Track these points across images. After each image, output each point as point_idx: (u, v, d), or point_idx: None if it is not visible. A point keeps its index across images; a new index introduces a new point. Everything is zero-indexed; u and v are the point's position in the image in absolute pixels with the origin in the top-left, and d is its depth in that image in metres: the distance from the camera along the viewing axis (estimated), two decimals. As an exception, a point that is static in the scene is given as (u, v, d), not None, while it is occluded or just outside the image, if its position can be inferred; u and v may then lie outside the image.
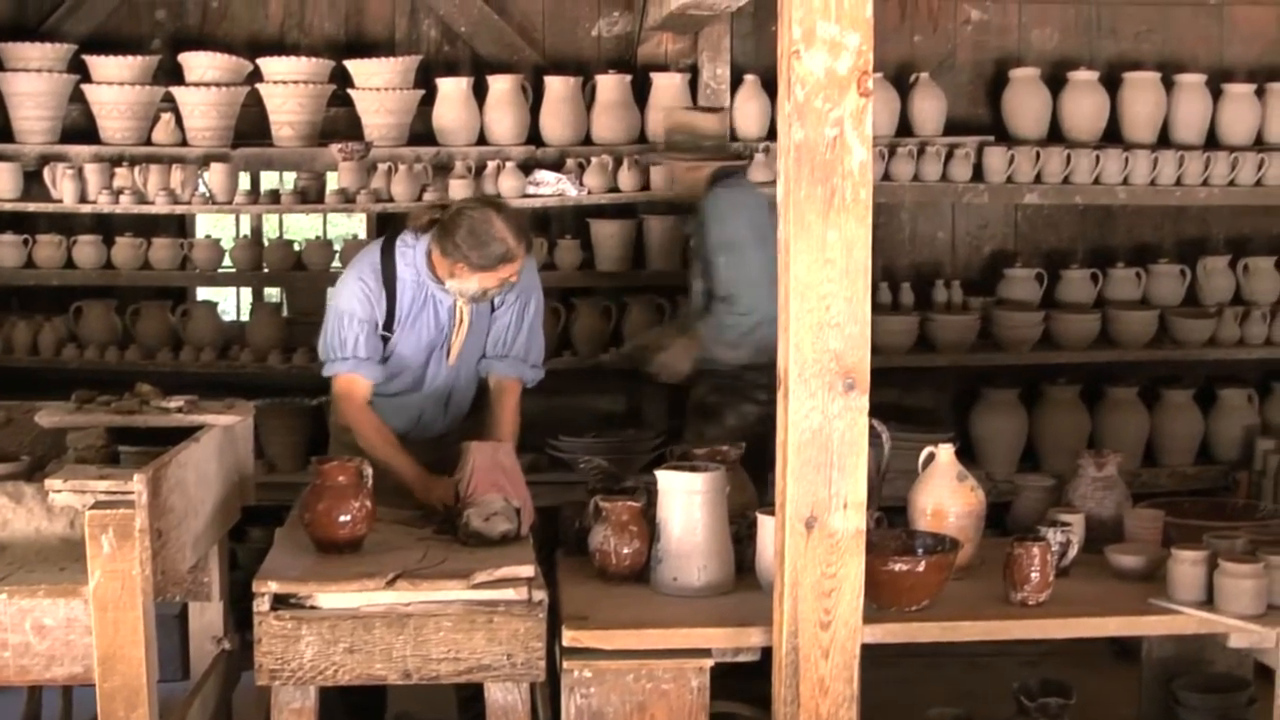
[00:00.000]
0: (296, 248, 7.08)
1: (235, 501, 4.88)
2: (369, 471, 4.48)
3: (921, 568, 4.15)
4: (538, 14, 7.29)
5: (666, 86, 6.95)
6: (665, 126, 6.49)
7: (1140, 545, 4.64)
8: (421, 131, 6.99)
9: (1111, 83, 7.26)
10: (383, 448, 5.09)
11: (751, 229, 6.01)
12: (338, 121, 7.01)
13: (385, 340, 5.18)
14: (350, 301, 5.15)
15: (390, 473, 5.01)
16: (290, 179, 7.30)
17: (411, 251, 5.16)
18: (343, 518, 4.38)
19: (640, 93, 7.00)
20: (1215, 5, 7.45)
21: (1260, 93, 7.28)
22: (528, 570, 4.16)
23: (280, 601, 4.07)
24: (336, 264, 6.91)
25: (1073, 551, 4.50)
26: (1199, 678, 5.05)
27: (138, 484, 3.85)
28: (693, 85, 7.02)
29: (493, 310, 5.29)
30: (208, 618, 4.91)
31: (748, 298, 6.00)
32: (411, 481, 5.04)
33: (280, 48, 7.08)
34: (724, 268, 6.04)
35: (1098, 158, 7.04)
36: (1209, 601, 4.23)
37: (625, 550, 4.43)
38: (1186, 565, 4.26)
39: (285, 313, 7.56)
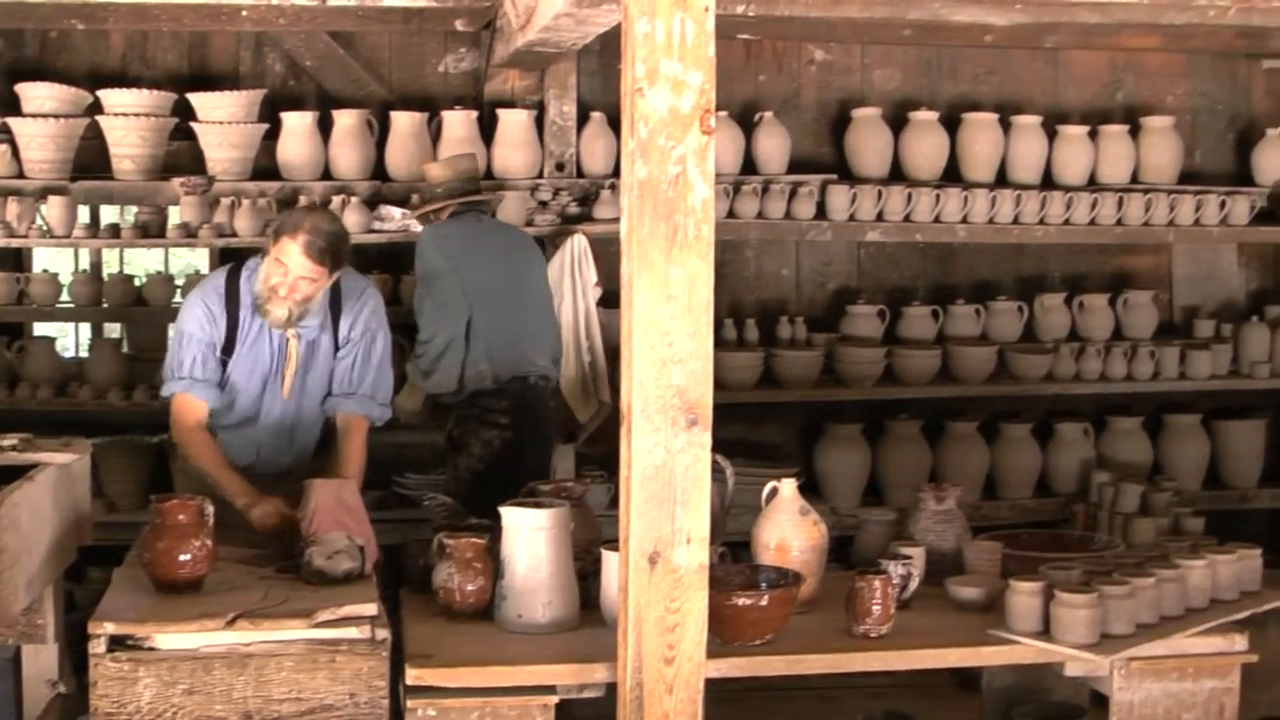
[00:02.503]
0: (137, 283, 6.97)
1: (71, 541, 4.78)
2: (210, 510, 4.42)
3: (765, 602, 4.19)
4: (384, 49, 7.26)
5: (513, 123, 6.95)
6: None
7: (980, 577, 4.72)
8: (266, 166, 6.92)
9: (951, 123, 7.41)
10: (210, 465, 5.09)
11: (447, 259, 6.16)
12: (180, 155, 6.91)
13: (225, 363, 5.17)
14: (190, 322, 5.17)
15: (218, 489, 5.00)
16: (131, 213, 7.19)
17: (255, 277, 5.17)
18: (183, 557, 4.31)
19: (487, 129, 7.00)
20: (1051, 50, 7.62)
21: (1093, 134, 7.47)
22: (371, 608, 4.13)
23: (117, 643, 4.00)
24: (178, 299, 6.80)
25: (914, 584, 4.57)
26: (1038, 706, 5.13)
27: (-32, 524, 3.77)
28: (539, 122, 7.03)
29: (336, 349, 5.28)
30: (42, 661, 4.80)
31: (429, 324, 6.16)
32: (236, 497, 5.01)
33: (122, 80, 6.96)
34: (417, 299, 6.23)
35: (938, 196, 7.17)
36: (1046, 631, 4.31)
37: (470, 587, 4.41)
38: (1024, 596, 4.34)
39: (125, 349, 7.43)
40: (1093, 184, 7.45)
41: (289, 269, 5.04)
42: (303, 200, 6.70)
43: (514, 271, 6.32)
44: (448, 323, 6.11)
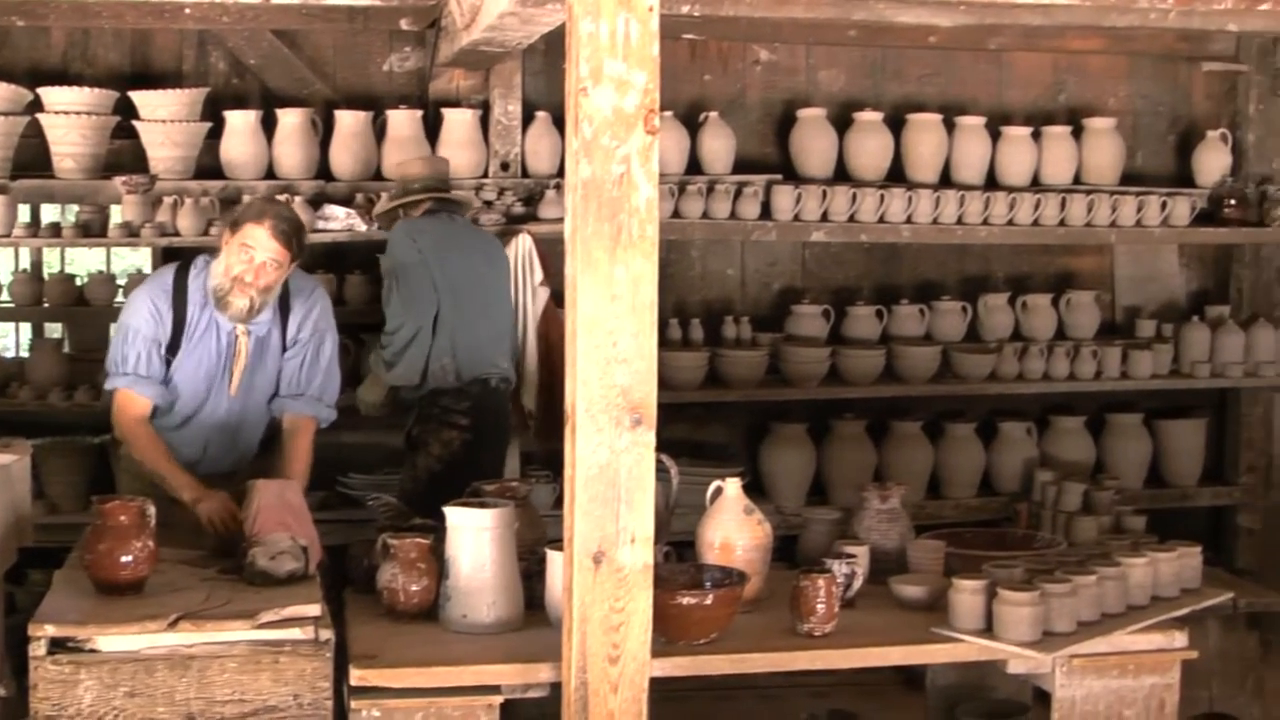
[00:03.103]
0: (79, 282, 6.93)
1: (12, 543, 4.75)
2: (152, 511, 4.39)
3: (709, 601, 4.19)
4: (329, 48, 7.22)
5: (458, 122, 6.94)
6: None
7: (923, 575, 4.74)
8: (209, 165, 6.88)
9: (896, 124, 7.44)
10: (156, 459, 5.09)
11: (419, 252, 6.17)
12: (122, 154, 6.86)
13: (169, 361, 5.15)
14: (136, 318, 5.15)
15: (162, 484, 5.01)
16: (72, 212, 7.15)
17: (205, 273, 5.15)
18: (124, 558, 4.28)
19: (432, 129, 6.98)
20: (995, 51, 7.66)
21: (1036, 136, 7.51)
22: (314, 609, 4.12)
23: (58, 645, 3.98)
24: (120, 299, 6.76)
25: (858, 582, 4.58)
26: (981, 704, 5.16)
27: (-94, 526, 3.73)
28: (484, 121, 7.02)
29: (284, 350, 5.26)
30: (-19, 664, 4.77)
31: (397, 314, 6.18)
32: (181, 490, 5.00)
33: (63, 77, 6.90)
34: (385, 291, 6.24)
35: (882, 197, 7.19)
36: (989, 629, 4.33)
37: (414, 587, 4.39)
38: (967, 594, 4.36)
39: (67, 349, 7.36)
40: (1036, 185, 7.48)
41: (255, 254, 5.02)
42: (246, 200, 6.66)
43: (482, 272, 6.34)
44: (415, 313, 6.12)
